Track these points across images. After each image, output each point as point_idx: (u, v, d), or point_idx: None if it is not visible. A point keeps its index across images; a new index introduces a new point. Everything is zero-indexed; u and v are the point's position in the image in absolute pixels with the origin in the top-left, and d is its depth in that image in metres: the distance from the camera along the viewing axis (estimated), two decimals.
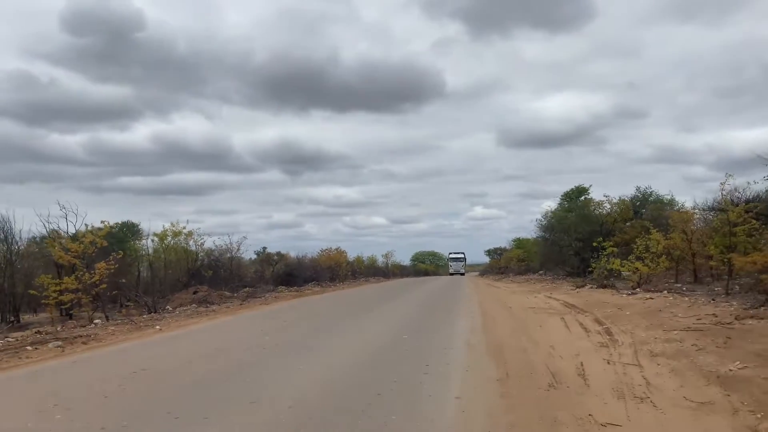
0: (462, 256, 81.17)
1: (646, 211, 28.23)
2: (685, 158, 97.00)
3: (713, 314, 10.34)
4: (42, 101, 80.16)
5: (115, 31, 77.95)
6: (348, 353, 8.66)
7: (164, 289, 28.18)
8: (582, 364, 7.39)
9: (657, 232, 18.43)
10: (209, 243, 34.79)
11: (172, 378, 7.12)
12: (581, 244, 27.86)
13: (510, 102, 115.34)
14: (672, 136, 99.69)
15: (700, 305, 11.86)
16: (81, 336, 12.68)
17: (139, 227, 34.60)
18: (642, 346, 8.50)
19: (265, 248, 48.16)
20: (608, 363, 7.52)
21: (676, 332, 9.06)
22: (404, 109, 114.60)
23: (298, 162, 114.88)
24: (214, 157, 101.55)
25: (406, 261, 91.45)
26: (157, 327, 13.99)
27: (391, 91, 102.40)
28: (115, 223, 34.82)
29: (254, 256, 47.86)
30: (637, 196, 29.87)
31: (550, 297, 18.55)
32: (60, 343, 11.52)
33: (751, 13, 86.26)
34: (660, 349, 8.03)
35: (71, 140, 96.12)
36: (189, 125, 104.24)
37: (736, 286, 14.60)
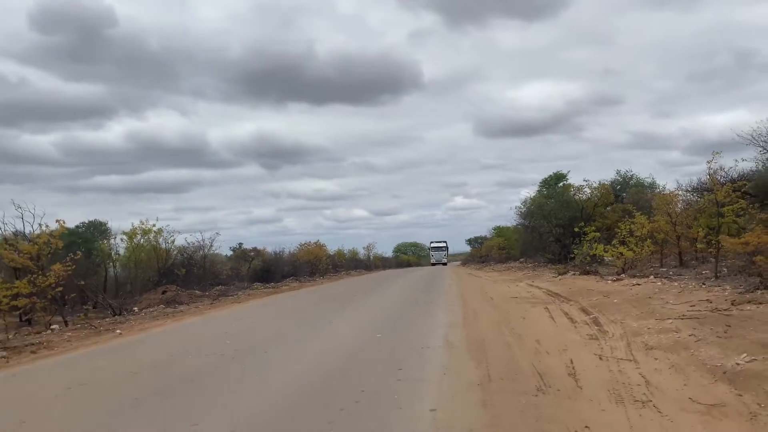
0: (444, 244, 77.93)
1: (627, 195, 27.77)
2: (661, 143, 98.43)
3: (707, 300, 9.70)
4: (12, 101, 79.71)
5: (85, 29, 76.95)
6: (314, 359, 7.84)
7: (134, 290, 27.24)
8: (572, 362, 6.67)
9: (641, 215, 17.85)
10: (181, 240, 33.90)
11: (110, 394, 6.24)
12: (561, 230, 27.34)
13: (487, 91, 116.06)
14: (647, 122, 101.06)
15: (692, 290, 11.23)
16: (32, 344, 11.73)
17: (108, 226, 33.28)
18: (635, 337, 7.81)
19: (241, 244, 46.86)
20: (600, 359, 6.81)
21: (670, 321, 8.38)
22: (382, 100, 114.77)
23: (276, 156, 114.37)
24: (191, 154, 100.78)
25: (388, 252, 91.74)
26: (118, 331, 13.07)
27: (369, 83, 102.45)
28: (82, 223, 33.59)
29: (230, 253, 46.52)
30: (618, 180, 29.45)
31: (532, 285, 17.91)
32: (5, 353, 10.55)
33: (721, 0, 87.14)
34: (655, 341, 7.33)
35: (44, 140, 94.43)
36: (164, 122, 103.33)
37: (724, 269, 14.05)
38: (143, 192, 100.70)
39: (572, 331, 9.04)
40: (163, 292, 23.92)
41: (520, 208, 32.89)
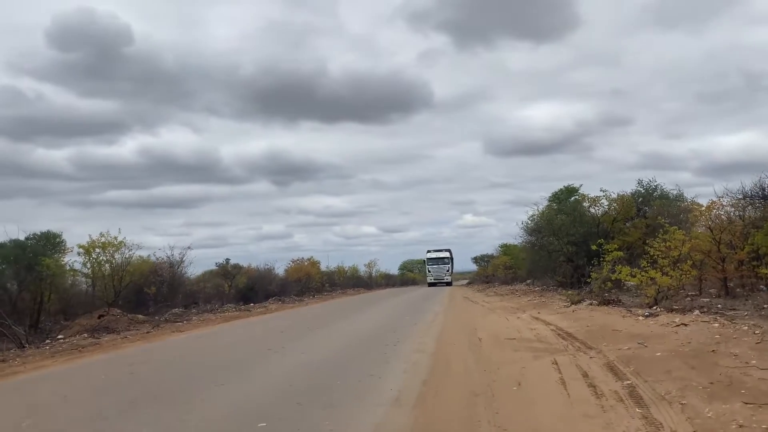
0: (446, 255, 58.00)
1: (650, 210, 23.77)
2: (671, 164, 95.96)
3: None
4: (28, 116, 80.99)
5: (102, 46, 78.39)
6: None
7: (77, 312, 23.57)
8: None
9: (677, 229, 13.93)
10: (150, 255, 30.39)
11: None
12: (574, 248, 23.38)
13: (496, 111, 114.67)
14: (657, 143, 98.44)
15: None
16: None
17: (62, 239, 29.67)
18: None
19: (228, 260, 42.87)
20: None
21: None
22: (392, 119, 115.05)
23: (286, 173, 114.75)
24: (203, 170, 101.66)
25: (396, 270, 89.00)
26: None
27: (379, 102, 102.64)
28: (33, 234, 29.94)
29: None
30: (639, 191, 25.40)
31: (537, 318, 13.97)
32: None
33: (733, 20, 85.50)
34: None
35: (57, 155, 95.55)
36: (177, 138, 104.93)
37: None
38: (155, 207, 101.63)
39: (599, 417, 5.21)
40: (100, 317, 20.23)
41: (527, 223, 28.86)
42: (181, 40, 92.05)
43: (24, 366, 11.41)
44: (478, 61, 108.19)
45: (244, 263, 42.50)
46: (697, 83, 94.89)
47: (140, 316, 21.60)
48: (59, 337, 17.72)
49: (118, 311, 21.03)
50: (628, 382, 6.56)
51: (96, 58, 79.94)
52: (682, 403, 5.47)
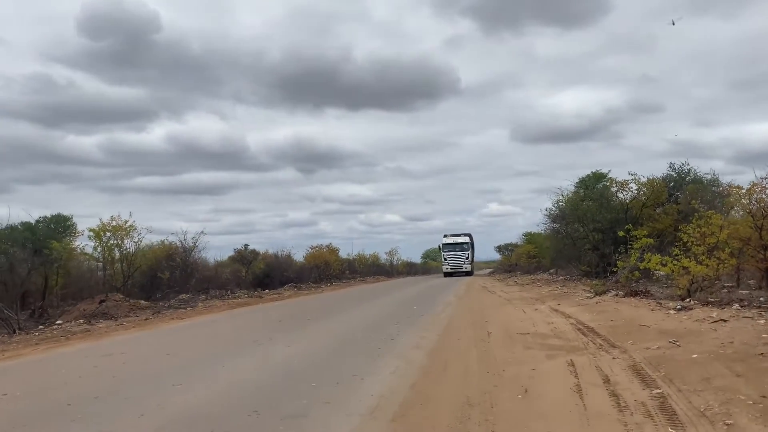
0: (465, 240, 49.71)
1: (683, 195, 22.22)
2: (703, 152, 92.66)
3: None
4: (59, 104, 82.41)
5: (131, 34, 78.84)
6: None
7: (82, 297, 22.99)
8: None
9: (715, 214, 12.57)
10: (160, 240, 29.87)
11: None
12: (600, 235, 22.01)
13: (523, 98, 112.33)
14: (688, 130, 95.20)
15: None
16: None
17: (72, 222, 29.16)
18: None
19: (246, 246, 42.17)
20: None
21: None
22: (417, 106, 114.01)
23: (312, 160, 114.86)
24: (230, 157, 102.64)
25: (419, 258, 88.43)
26: None
27: (404, 89, 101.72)
28: (42, 217, 29.50)
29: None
30: (671, 175, 23.79)
31: (556, 310, 12.78)
32: None
33: (766, 5, 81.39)
34: None
35: (88, 141, 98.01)
36: (204, 125, 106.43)
37: None
38: (183, 193, 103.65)
39: None
40: (100, 302, 19.57)
41: (551, 210, 27.44)
42: (208, 27, 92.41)
43: (1, 354, 10.70)
44: (505, 47, 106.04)
45: (271, 250, 42.04)
46: (730, 69, 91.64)
47: (143, 301, 20.93)
48: (58, 322, 17.13)
49: (121, 296, 20.38)
50: (658, 390, 5.40)
51: (125, 45, 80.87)
52: (727, 423, 4.32)
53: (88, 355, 9.38)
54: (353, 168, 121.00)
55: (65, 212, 29.74)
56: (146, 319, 16.58)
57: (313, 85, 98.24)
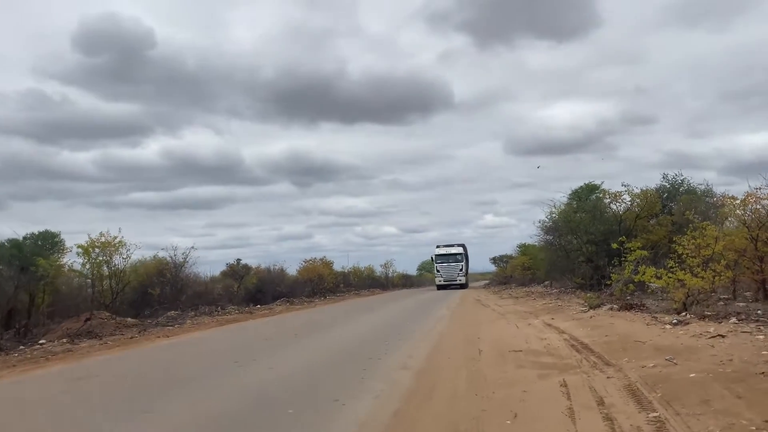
0: (458, 251, 47.83)
1: (677, 206, 22.02)
2: (696, 163, 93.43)
3: None
4: (54, 119, 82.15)
5: (126, 50, 78.88)
6: None
7: (68, 315, 22.51)
8: None
9: (710, 225, 12.33)
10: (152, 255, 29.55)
11: None
12: (594, 247, 21.77)
13: (517, 111, 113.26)
14: (681, 142, 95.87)
15: None
16: None
17: (60, 238, 28.76)
18: None
19: (239, 260, 41.79)
20: None
21: None
22: (412, 120, 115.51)
23: (307, 174, 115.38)
24: (225, 171, 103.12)
25: (415, 270, 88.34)
26: None
27: (399, 103, 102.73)
28: (30, 233, 29.08)
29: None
30: (664, 186, 23.62)
31: (549, 325, 12.47)
32: None
33: (757, 17, 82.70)
34: None
35: (83, 157, 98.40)
36: (199, 140, 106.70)
37: None
38: (178, 208, 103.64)
39: None
40: (86, 320, 19.12)
41: (544, 221, 27.18)
42: (203, 42, 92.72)
43: None
44: (498, 60, 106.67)
45: (267, 264, 41.60)
46: (721, 81, 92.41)
47: (130, 319, 20.49)
48: (41, 341, 16.68)
49: (107, 314, 19.95)
50: (655, 414, 5.11)
51: (120, 61, 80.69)
52: None
53: (60, 379, 9.00)
54: (349, 181, 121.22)
55: (60, 228, 29.36)
56: (132, 338, 16.17)
57: (308, 99, 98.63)
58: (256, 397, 6.56)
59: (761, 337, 7.81)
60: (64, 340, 15.99)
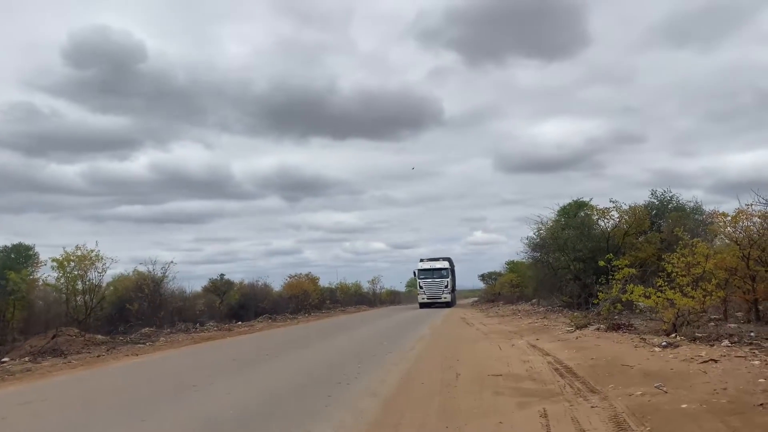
0: (444, 265, 43.68)
1: (665, 223, 21.62)
2: (683, 182, 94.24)
3: None
4: (42, 132, 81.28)
5: (116, 63, 78.39)
6: None
7: (38, 331, 21.66)
8: None
9: (701, 242, 11.84)
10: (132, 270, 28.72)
11: None
12: (581, 265, 21.26)
13: (506, 128, 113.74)
14: (669, 160, 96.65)
15: None
16: None
17: (34, 251, 27.92)
18: None
19: (222, 275, 41.04)
20: None
21: None
22: (402, 136, 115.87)
23: (297, 189, 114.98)
24: (214, 185, 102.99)
25: (404, 287, 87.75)
26: None
27: (389, 119, 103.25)
28: (3, 246, 28.23)
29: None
30: (653, 203, 23.24)
31: (534, 346, 11.87)
32: None
33: (743, 39, 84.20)
34: None
35: (70, 170, 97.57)
36: (189, 154, 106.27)
37: None
38: (166, 222, 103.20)
39: None
40: (53, 337, 18.32)
41: (532, 238, 26.65)
42: (194, 57, 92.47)
43: None
44: (488, 78, 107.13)
45: (253, 279, 40.78)
46: (708, 101, 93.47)
47: (99, 336, 19.70)
48: (4, 359, 15.87)
49: (76, 331, 19.16)
50: None
51: (110, 74, 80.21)
52: None
53: (5, 404, 8.29)
54: (339, 196, 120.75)
55: (45, 242, 28.59)
56: (98, 356, 15.39)
57: (299, 114, 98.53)
58: (202, 427, 5.91)
59: (757, 362, 7.27)
60: (26, 359, 15.20)
